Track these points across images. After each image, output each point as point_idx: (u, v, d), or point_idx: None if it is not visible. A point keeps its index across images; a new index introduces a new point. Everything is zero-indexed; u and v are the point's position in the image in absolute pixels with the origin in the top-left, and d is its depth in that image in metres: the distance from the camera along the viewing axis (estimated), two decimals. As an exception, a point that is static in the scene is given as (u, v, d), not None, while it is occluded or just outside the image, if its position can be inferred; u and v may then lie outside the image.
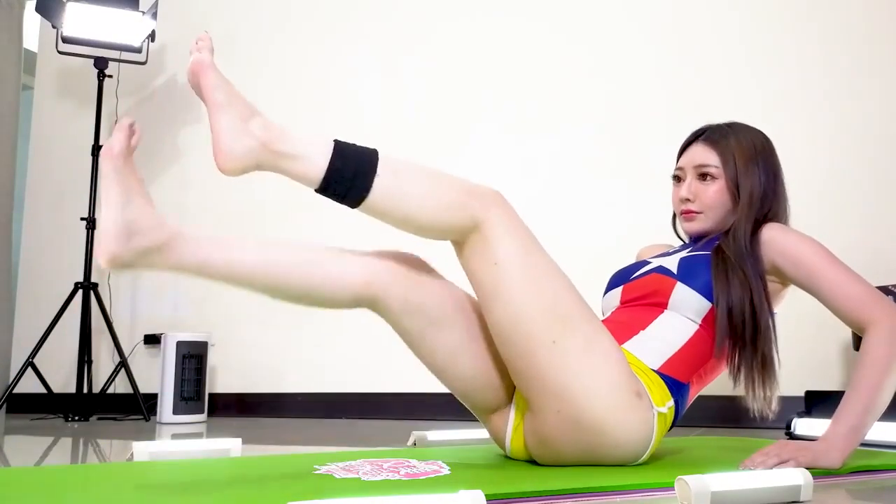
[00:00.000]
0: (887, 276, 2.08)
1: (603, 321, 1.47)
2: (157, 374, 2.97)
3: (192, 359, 2.94)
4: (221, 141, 1.12)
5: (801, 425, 1.99)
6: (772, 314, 1.39)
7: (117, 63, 3.38)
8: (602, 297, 1.57)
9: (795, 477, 1.07)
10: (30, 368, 3.00)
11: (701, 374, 1.40)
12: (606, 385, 1.22)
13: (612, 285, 1.55)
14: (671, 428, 1.36)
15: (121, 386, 3.18)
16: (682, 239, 1.65)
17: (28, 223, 3.77)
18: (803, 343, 2.26)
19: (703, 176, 1.49)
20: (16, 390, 3.01)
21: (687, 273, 1.40)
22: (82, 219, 3.21)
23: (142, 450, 1.51)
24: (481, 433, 1.81)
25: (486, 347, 1.30)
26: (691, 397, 1.42)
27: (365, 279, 1.24)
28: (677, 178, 1.55)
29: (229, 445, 1.59)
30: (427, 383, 2.98)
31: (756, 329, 1.35)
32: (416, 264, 1.29)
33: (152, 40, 3.29)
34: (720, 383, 1.46)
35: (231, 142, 1.12)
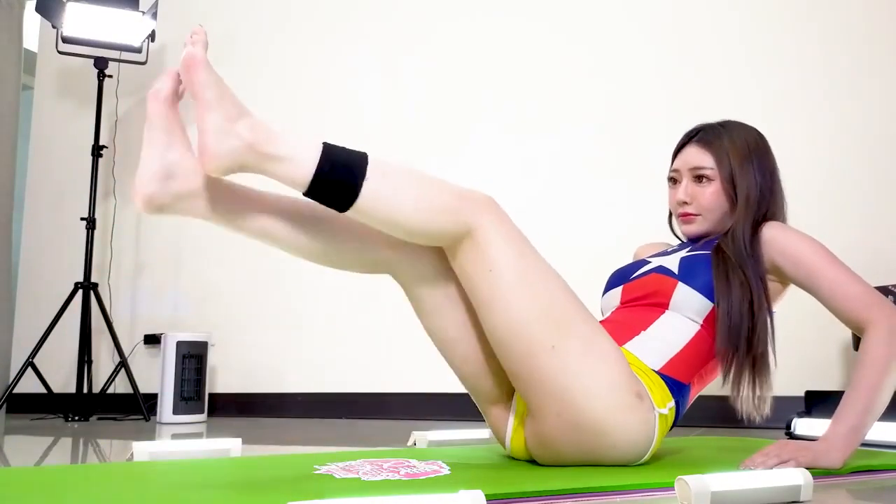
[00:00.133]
0: (887, 276, 2.08)
1: (603, 321, 1.47)
2: (157, 374, 2.97)
3: (192, 359, 2.94)
4: (207, 140, 1.10)
5: (801, 425, 1.99)
6: (770, 314, 1.39)
7: (117, 63, 3.38)
8: (601, 296, 1.57)
9: (795, 477, 1.07)
10: (30, 368, 3.00)
11: (702, 374, 1.40)
12: (606, 387, 1.22)
13: (611, 285, 1.55)
14: (671, 428, 1.36)
15: (121, 386, 3.18)
16: (679, 238, 1.65)
17: (28, 223, 3.77)
18: (803, 343, 2.26)
19: (698, 178, 1.49)
20: (16, 390, 3.01)
21: (688, 273, 1.40)
22: (82, 219, 3.21)
23: (142, 450, 1.50)
24: (481, 433, 1.82)
25: None
26: (692, 398, 1.42)
27: (390, 241, 1.26)
28: (673, 180, 1.55)
29: (229, 445, 1.59)
30: (427, 383, 3.00)
31: (753, 328, 1.34)
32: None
33: (152, 40, 3.29)
34: (720, 383, 1.46)
35: (216, 142, 1.10)
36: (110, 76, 3.35)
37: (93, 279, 3.17)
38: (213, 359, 3.07)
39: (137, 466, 1.42)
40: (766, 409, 1.36)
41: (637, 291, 1.46)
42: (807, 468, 1.11)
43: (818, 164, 2.50)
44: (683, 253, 1.47)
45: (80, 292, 3.12)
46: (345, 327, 3.09)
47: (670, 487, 1.04)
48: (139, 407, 2.97)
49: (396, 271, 1.30)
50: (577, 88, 2.94)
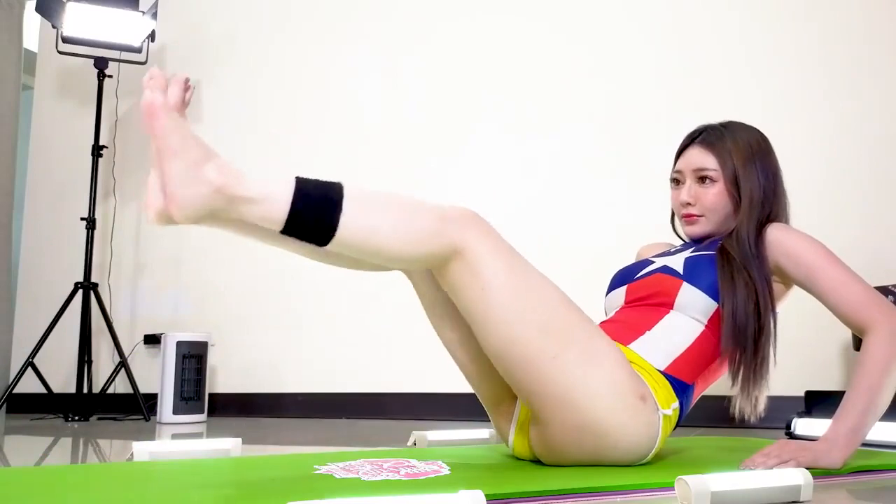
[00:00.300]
0: (887, 276, 2.08)
1: (607, 321, 1.47)
2: (157, 374, 2.97)
3: (192, 359, 2.94)
4: (173, 188, 1.02)
5: (801, 425, 1.99)
6: (774, 315, 1.39)
7: (117, 63, 3.38)
8: (605, 296, 1.57)
9: (795, 477, 1.07)
10: (30, 368, 3.00)
11: (706, 374, 1.40)
12: (609, 391, 1.22)
13: (615, 284, 1.55)
14: (675, 428, 1.36)
15: (121, 386, 3.18)
16: (682, 239, 1.65)
17: (28, 223, 3.77)
18: (803, 343, 2.26)
19: (701, 179, 1.49)
20: (16, 390, 3.01)
21: (693, 273, 1.40)
22: (82, 219, 3.21)
23: (142, 450, 1.50)
24: (481, 433, 1.82)
25: None
26: (695, 398, 1.42)
27: None
28: (676, 181, 1.55)
29: (229, 445, 1.59)
30: (427, 383, 3.00)
31: (759, 330, 1.35)
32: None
33: (152, 40, 3.29)
34: (720, 383, 1.46)
35: (183, 189, 1.02)
36: (110, 76, 3.36)
37: (93, 279, 3.17)
38: (213, 359, 3.07)
39: (137, 466, 1.42)
40: (762, 409, 1.36)
41: (641, 291, 1.46)
42: (807, 468, 1.11)
43: (818, 164, 2.50)
44: (688, 253, 1.47)
45: (80, 292, 3.12)
46: (345, 327, 3.09)
47: (670, 487, 1.04)
48: (139, 407, 2.97)
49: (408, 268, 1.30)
50: (578, 88, 2.94)
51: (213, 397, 3.11)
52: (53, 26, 3.21)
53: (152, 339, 3.34)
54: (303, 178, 1.09)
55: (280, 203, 1.06)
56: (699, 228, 1.51)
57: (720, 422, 2.29)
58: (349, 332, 3.08)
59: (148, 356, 3.36)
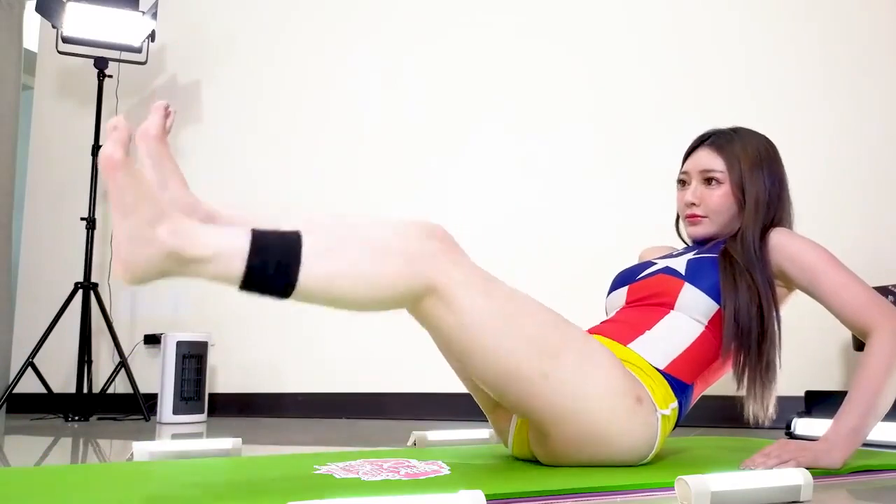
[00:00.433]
0: (887, 276, 2.08)
1: (608, 320, 1.47)
2: (157, 374, 2.97)
3: (192, 359, 2.94)
4: (120, 250, 0.99)
5: (801, 425, 1.99)
6: (778, 318, 1.39)
7: (117, 63, 3.38)
8: (606, 296, 1.57)
9: (795, 477, 1.07)
10: (30, 368, 3.00)
11: (705, 375, 1.40)
12: (605, 396, 1.21)
13: (616, 285, 1.55)
14: (674, 428, 1.36)
15: (121, 386, 3.18)
16: (685, 242, 1.65)
17: (28, 223, 3.77)
18: (804, 343, 2.25)
19: (707, 181, 1.49)
20: (16, 390, 3.01)
21: (695, 274, 1.41)
22: (82, 219, 3.21)
23: (142, 450, 1.51)
24: (481, 433, 1.82)
25: None
26: (695, 398, 1.42)
27: None
28: (682, 182, 1.55)
29: (229, 445, 1.59)
30: (427, 383, 2.99)
31: (763, 334, 1.35)
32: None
33: (152, 40, 3.29)
34: (721, 383, 1.47)
35: (131, 250, 0.99)
36: (110, 76, 3.36)
37: (93, 279, 3.17)
38: (213, 359, 3.07)
39: (137, 466, 1.42)
40: (772, 411, 1.37)
41: (643, 291, 1.46)
42: (807, 468, 1.11)
43: (818, 164, 2.50)
44: (690, 255, 1.48)
45: (80, 292, 3.12)
46: (345, 327, 3.09)
47: (670, 487, 1.04)
48: (139, 407, 2.97)
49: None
50: (578, 88, 2.94)
51: (213, 397, 3.11)
52: (53, 26, 3.21)
53: (152, 339, 3.34)
54: (259, 232, 1.03)
55: (235, 261, 1.01)
56: (702, 229, 1.51)
57: (720, 422, 2.29)
58: (349, 332, 3.08)
59: (148, 356, 3.36)
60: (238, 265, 1.01)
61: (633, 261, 1.67)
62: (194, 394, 2.93)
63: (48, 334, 3.04)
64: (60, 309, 3.07)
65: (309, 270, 1.04)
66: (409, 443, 1.79)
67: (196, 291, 3.38)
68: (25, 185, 3.81)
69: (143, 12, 3.23)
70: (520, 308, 1.18)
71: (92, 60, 3.28)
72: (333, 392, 3.08)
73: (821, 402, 2.01)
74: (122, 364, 3.04)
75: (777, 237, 1.42)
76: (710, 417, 2.23)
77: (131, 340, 3.39)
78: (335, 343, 3.10)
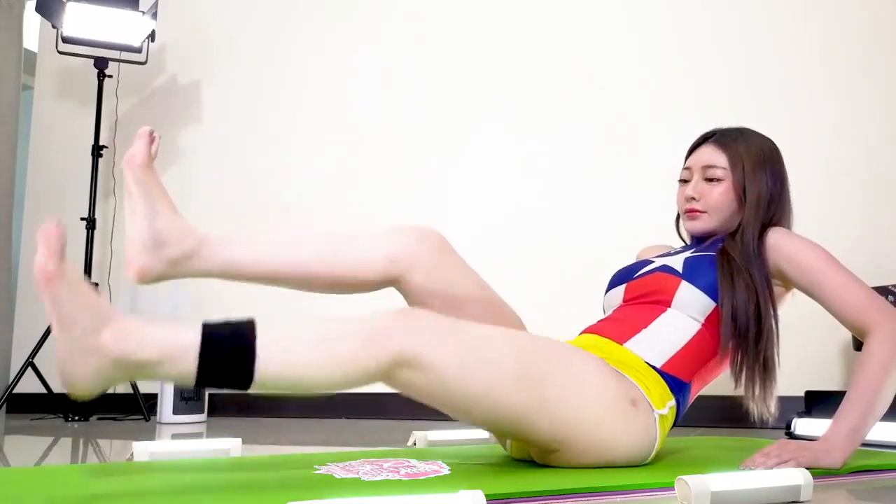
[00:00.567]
0: (887, 276, 2.08)
1: (605, 319, 1.47)
2: (157, 374, 2.96)
3: (192, 359, 2.93)
4: (63, 366, 0.94)
5: (801, 425, 1.99)
6: (776, 317, 1.39)
7: (117, 63, 3.38)
8: (604, 294, 1.57)
9: (795, 477, 1.07)
10: (30, 368, 3.00)
11: (703, 373, 1.40)
12: (602, 408, 1.21)
13: (614, 283, 1.55)
14: (673, 427, 1.36)
15: (121, 386, 3.18)
16: (684, 240, 1.65)
17: (28, 223, 3.76)
18: (803, 343, 2.26)
19: (709, 178, 1.49)
20: (16, 390, 3.01)
21: (692, 272, 1.41)
22: (82, 219, 3.21)
23: (142, 450, 1.50)
24: (481, 433, 1.82)
25: None
26: (692, 396, 1.42)
27: (389, 257, 1.26)
28: (684, 180, 1.55)
29: (229, 445, 1.59)
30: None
31: (760, 332, 1.35)
32: (437, 241, 1.29)
33: (152, 40, 3.29)
34: (720, 383, 1.47)
35: (74, 366, 0.94)
36: (110, 76, 3.35)
37: (93, 279, 3.17)
38: (213, 359, 3.06)
39: (137, 466, 1.42)
40: (773, 409, 1.37)
41: (640, 289, 1.46)
42: (807, 468, 1.11)
43: (818, 164, 2.50)
44: (688, 254, 1.48)
45: (80, 292, 3.11)
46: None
47: (670, 487, 1.04)
48: (139, 407, 2.97)
49: (399, 284, 1.30)
50: (577, 88, 2.94)
51: (213, 397, 3.11)
52: (53, 26, 3.20)
53: (152, 339, 3.34)
54: (210, 325, 1.00)
55: (187, 358, 0.97)
56: (700, 225, 1.51)
57: (720, 422, 2.29)
58: (349, 332, 3.07)
59: (148, 356, 3.36)
60: (190, 363, 0.97)
61: (632, 260, 1.67)
62: (194, 394, 2.93)
63: (48, 334, 3.04)
64: (60, 309, 3.06)
65: (266, 362, 1.00)
66: (409, 443, 1.79)
67: (196, 292, 3.37)
68: (25, 185, 3.81)
69: (143, 12, 3.23)
70: (499, 347, 1.14)
71: (92, 60, 3.28)
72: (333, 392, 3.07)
73: (821, 402, 2.01)
74: (122, 364, 3.04)
75: (775, 237, 1.42)
76: (710, 417, 2.23)
77: (131, 340, 3.38)
78: (335, 343, 3.09)
